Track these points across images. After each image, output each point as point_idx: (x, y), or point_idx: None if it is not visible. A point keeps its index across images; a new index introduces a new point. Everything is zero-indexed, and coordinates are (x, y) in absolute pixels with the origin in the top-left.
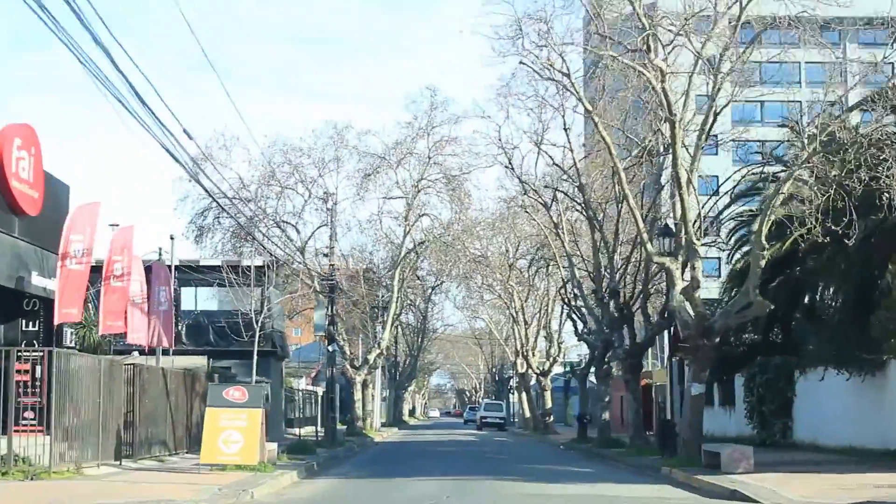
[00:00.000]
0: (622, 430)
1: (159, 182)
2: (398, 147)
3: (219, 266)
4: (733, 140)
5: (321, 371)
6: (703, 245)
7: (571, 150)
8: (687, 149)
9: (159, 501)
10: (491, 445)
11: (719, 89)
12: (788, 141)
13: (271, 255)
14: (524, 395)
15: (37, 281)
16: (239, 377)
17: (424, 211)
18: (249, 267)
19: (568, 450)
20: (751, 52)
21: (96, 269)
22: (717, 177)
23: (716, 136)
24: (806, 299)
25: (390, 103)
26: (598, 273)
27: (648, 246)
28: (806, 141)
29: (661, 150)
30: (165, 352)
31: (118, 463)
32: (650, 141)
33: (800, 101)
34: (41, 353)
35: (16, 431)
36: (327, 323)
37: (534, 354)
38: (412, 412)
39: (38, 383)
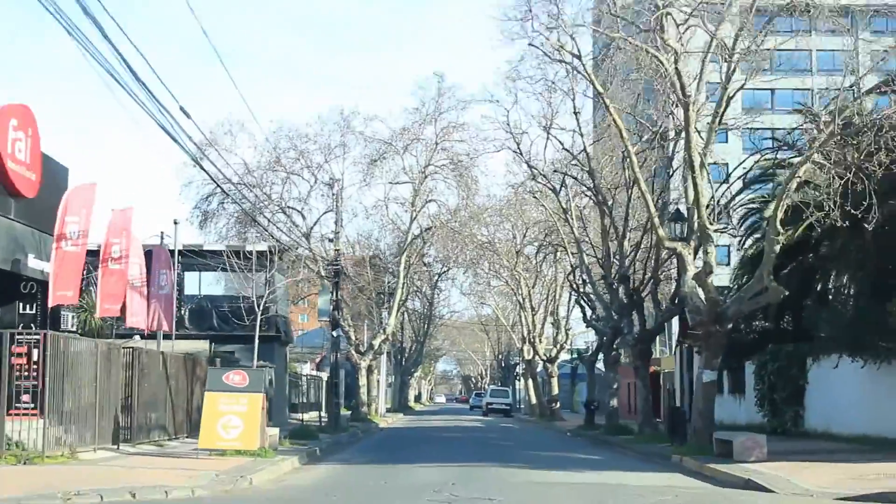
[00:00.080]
0: (629, 417)
1: (165, 168)
2: (405, 133)
3: (223, 251)
4: (746, 127)
5: (326, 356)
6: (715, 231)
7: (581, 135)
8: (700, 133)
9: (153, 487)
10: (497, 432)
11: (733, 72)
12: (801, 127)
13: (276, 240)
14: (530, 381)
15: (33, 264)
16: (242, 362)
17: (431, 197)
18: (255, 252)
19: (575, 436)
20: (765, 36)
21: (96, 253)
22: (727, 164)
23: (726, 123)
24: (818, 286)
25: (397, 92)
26: (608, 259)
27: (660, 231)
28: (823, 124)
29: (673, 134)
30: (168, 336)
31: (115, 447)
32: (662, 125)
33: (811, 89)
34: (38, 337)
35: (13, 415)
36: (332, 308)
37: (541, 341)
38: (418, 398)
39: (35, 367)
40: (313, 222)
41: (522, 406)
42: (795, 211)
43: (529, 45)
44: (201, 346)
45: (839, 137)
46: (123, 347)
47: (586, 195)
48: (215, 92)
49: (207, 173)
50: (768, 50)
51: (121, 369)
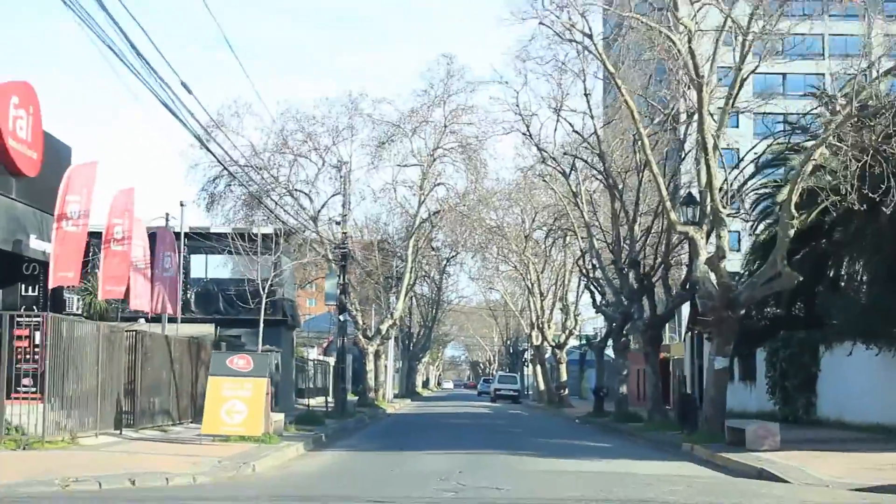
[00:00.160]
0: (638, 404)
1: (173, 150)
2: (413, 115)
3: (231, 234)
4: (759, 112)
5: (333, 341)
6: (727, 216)
7: (592, 117)
8: (712, 116)
9: (153, 474)
10: (505, 418)
11: (747, 53)
12: (815, 110)
13: (283, 223)
14: (539, 367)
15: (35, 244)
16: (248, 346)
17: (440, 180)
18: (261, 234)
19: (584, 423)
20: (779, 17)
21: (100, 235)
22: (737, 150)
23: (737, 108)
24: (831, 273)
25: (406, 77)
26: (618, 243)
27: (672, 214)
28: (840, 106)
29: (685, 116)
30: (173, 319)
31: (118, 432)
32: (674, 107)
33: (823, 74)
34: (39, 319)
35: (14, 399)
36: (339, 292)
37: (549, 327)
38: (426, 384)
39: (37, 350)
40: (321, 205)
41: (531, 392)
42: (810, 195)
43: (540, 23)
44: (207, 329)
45: (856, 119)
46: (127, 330)
47: (597, 178)
48: (223, 80)
49: (213, 154)
50: (782, 35)
51: (124, 353)
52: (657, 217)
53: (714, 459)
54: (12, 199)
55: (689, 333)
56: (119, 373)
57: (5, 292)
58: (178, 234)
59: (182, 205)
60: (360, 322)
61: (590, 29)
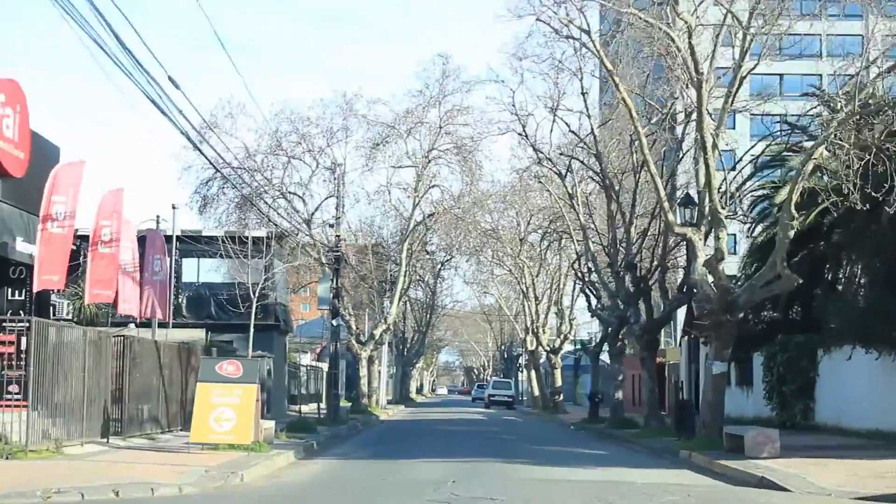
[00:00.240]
0: (634, 410)
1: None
2: (408, 116)
3: (222, 237)
4: (756, 113)
5: (326, 346)
6: (725, 217)
7: (589, 116)
8: (711, 115)
9: (138, 485)
10: (499, 425)
11: (748, 49)
12: (814, 110)
13: (276, 226)
14: (533, 373)
15: (21, 247)
16: (240, 351)
17: (435, 182)
18: (253, 238)
19: (579, 430)
20: (779, 14)
21: (88, 238)
22: (734, 151)
23: (735, 107)
24: (829, 276)
25: (401, 77)
26: (614, 246)
27: (669, 215)
28: (843, 102)
29: (683, 116)
30: (164, 324)
31: (105, 441)
32: (672, 105)
33: (821, 75)
34: (26, 324)
35: (0, 407)
36: (332, 296)
37: (544, 331)
38: (420, 389)
39: (24, 356)
40: (314, 208)
41: (525, 398)
42: (809, 196)
43: (537, 20)
44: (197, 334)
45: (858, 117)
46: (115, 336)
47: (593, 180)
48: (217, 81)
49: (205, 156)
50: (782, 33)
51: (111, 359)
52: (654, 219)
53: (712, 467)
54: None
55: (686, 338)
56: (106, 379)
57: None
58: (169, 238)
59: (174, 207)
60: (354, 327)
61: (587, 25)
